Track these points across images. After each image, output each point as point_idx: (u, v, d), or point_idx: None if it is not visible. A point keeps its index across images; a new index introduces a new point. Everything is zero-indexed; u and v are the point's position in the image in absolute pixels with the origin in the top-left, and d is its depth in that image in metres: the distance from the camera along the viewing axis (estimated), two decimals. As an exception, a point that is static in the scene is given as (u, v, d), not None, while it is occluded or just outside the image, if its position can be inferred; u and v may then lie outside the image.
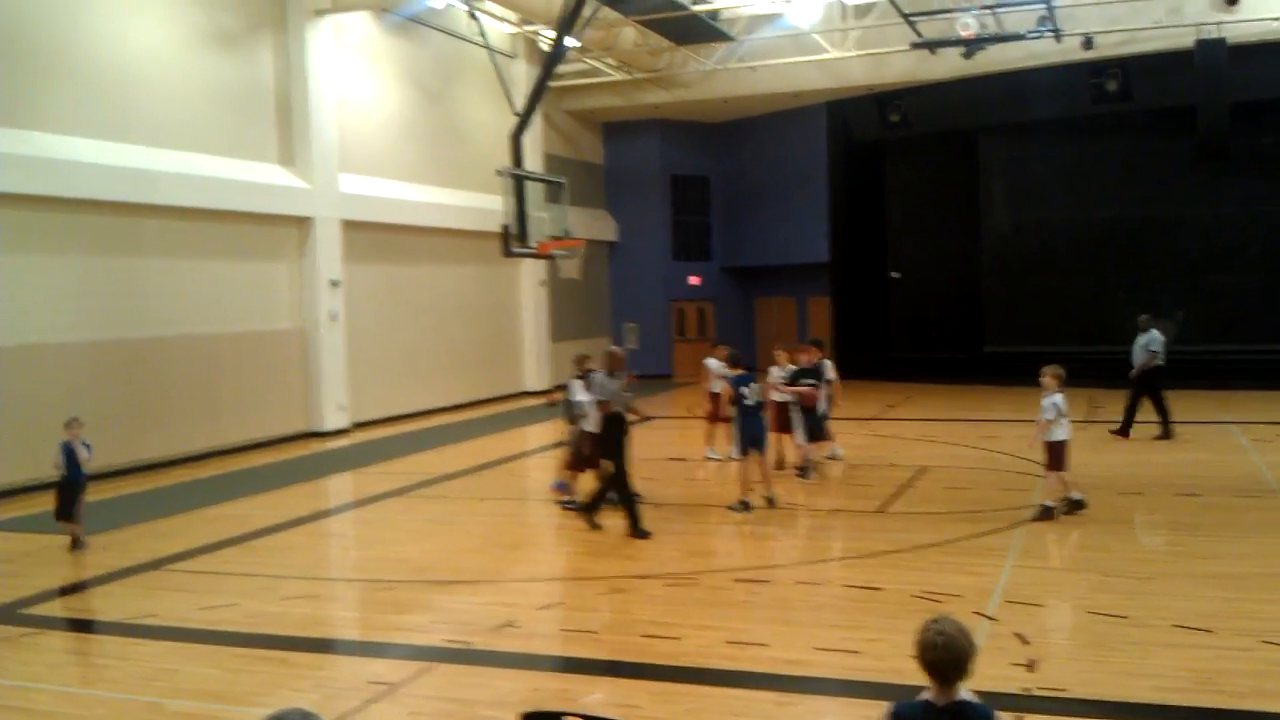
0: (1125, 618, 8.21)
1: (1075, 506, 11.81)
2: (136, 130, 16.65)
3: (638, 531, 11.25)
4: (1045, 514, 11.61)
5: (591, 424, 12.15)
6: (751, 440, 12.42)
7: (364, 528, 12.94)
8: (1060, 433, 11.72)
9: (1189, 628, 7.86)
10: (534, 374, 27.30)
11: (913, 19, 22.08)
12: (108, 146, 16.06)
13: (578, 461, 12.84)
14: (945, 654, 3.59)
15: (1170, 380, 17.19)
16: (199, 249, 17.87)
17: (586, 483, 12.81)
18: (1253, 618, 8.08)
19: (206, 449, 17.77)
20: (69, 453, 11.53)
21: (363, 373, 21.42)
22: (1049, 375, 11.78)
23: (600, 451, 11.76)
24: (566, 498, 13.08)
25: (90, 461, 11.79)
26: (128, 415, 16.34)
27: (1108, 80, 24.33)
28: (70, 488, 11.56)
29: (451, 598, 9.52)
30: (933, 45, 22.69)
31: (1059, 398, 11.66)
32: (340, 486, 15.86)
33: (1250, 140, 25.10)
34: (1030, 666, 7.21)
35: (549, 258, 22.88)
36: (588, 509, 11.79)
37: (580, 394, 12.60)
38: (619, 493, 11.53)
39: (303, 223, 19.98)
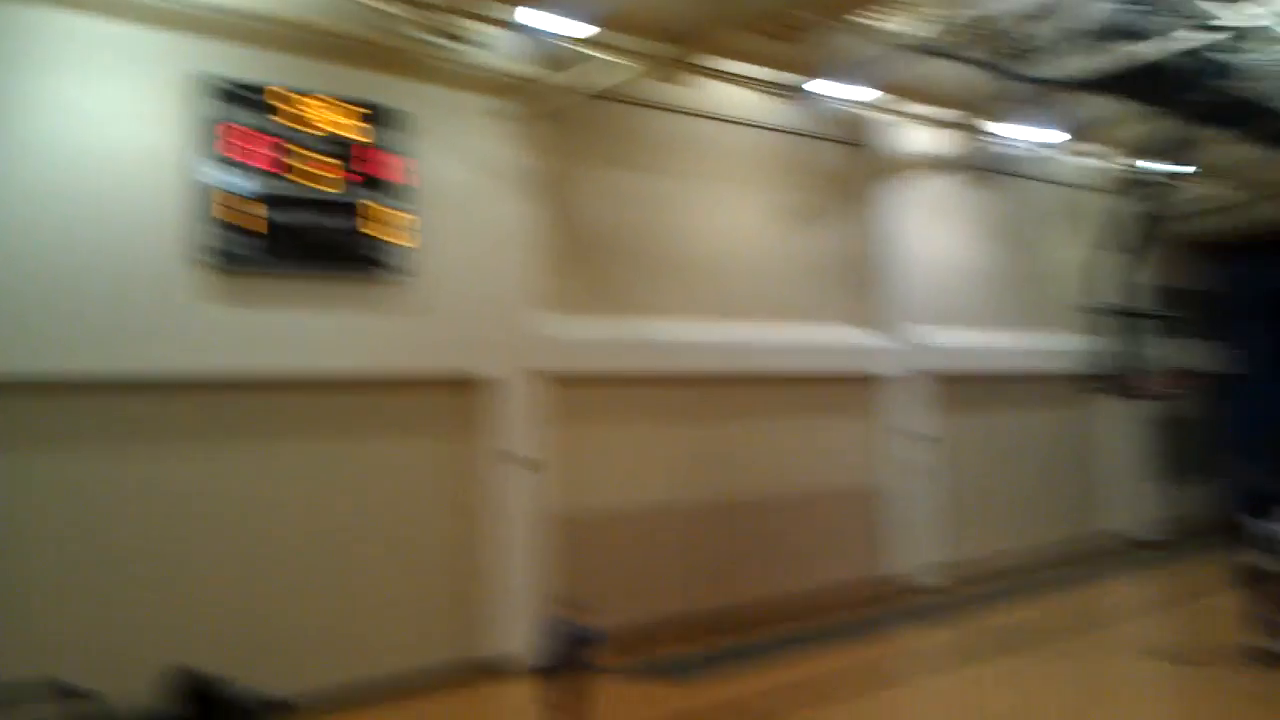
0: None
1: None
2: (730, 308, 18.62)
3: None
4: None
5: None
6: None
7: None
8: None
9: None
10: (1128, 515, 25.54)
11: None
12: (705, 325, 18.16)
13: None
14: None
15: None
16: (787, 411, 19.34)
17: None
18: None
19: (793, 601, 18.69)
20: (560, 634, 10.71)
21: (953, 523, 21.62)
22: None
23: None
24: None
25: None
26: (722, 567, 17.90)
27: None
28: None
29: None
30: None
31: None
32: (937, 640, 16.07)
33: None
34: None
35: (1158, 396, 21.60)
36: None
37: None
38: None
39: (880, 379, 20.87)
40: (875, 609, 18.23)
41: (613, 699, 11.13)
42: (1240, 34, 16.82)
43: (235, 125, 12.73)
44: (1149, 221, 21.48)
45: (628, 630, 14.60)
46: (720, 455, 18.20)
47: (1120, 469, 25.81)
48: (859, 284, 20.86)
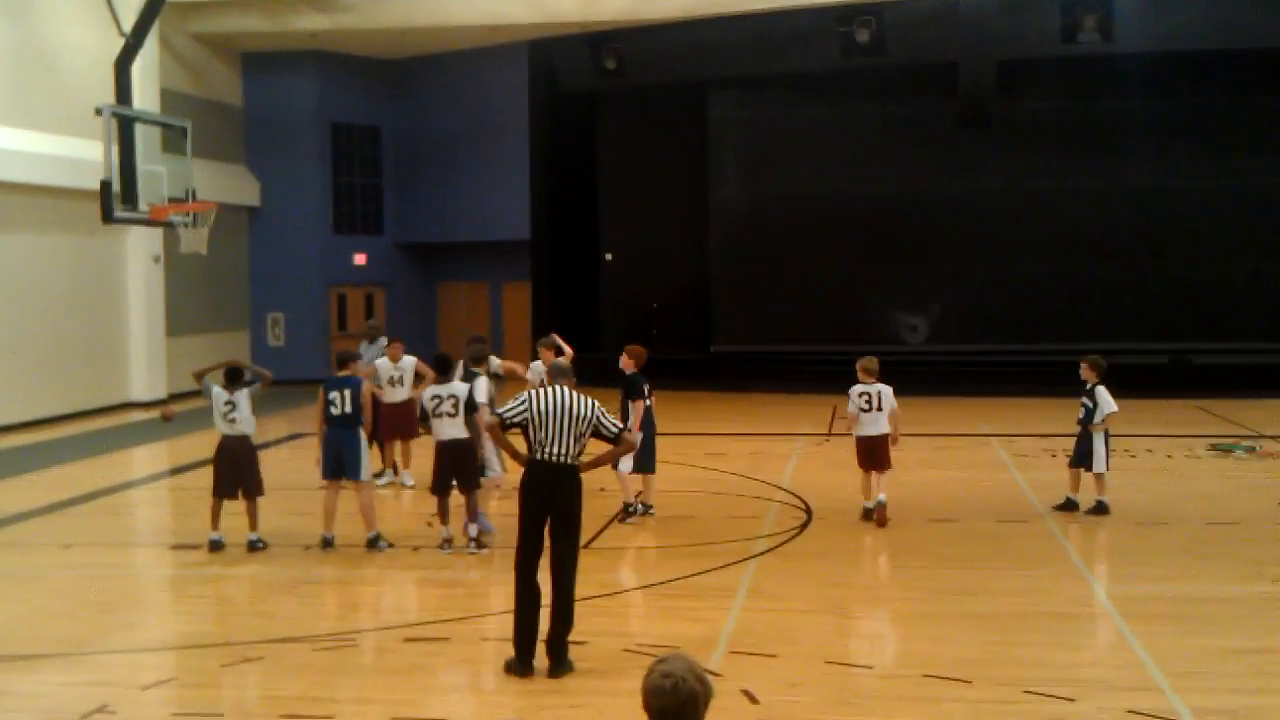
0: (870, 667, 8.70)
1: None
2: None
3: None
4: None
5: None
6: (335, 463, 12.74)
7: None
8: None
9: (943, 677, 8.40)
10: (143, 379, 26.14)
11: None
12: None
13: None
14: (674, 699, 3.84)
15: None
16: None
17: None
18: (1016, 664, 8.73)
19: None
20: None
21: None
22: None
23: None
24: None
25: None
26: None
27: (859, 29, 25.63)
28: None
29: (25, 677, 9.02)
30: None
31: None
32: None
33: (1017, 105, 27.07)
34: (760, 731, 7.51)
35: (166, 225, 22.11)
36: None
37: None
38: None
39: None
40: None
41: None
42: None
43: None
44: (156, 3, 21.69)
45: None
46: None
47: (141, 320, 26.19)
48: None
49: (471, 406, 12.53)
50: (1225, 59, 26.48)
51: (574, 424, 8.77)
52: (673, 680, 3.91)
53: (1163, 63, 26.53)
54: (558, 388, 9.00)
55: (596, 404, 8.96)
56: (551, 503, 8.78)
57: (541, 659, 8.64)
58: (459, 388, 12.64)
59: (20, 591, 11.54)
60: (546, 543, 8.82)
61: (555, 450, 8.75)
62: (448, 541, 12.53)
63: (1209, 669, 8.64)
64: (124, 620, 10.76)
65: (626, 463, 13.44)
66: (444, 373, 12.80)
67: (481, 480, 13.15)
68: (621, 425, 9.22)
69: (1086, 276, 29.05)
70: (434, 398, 12.59)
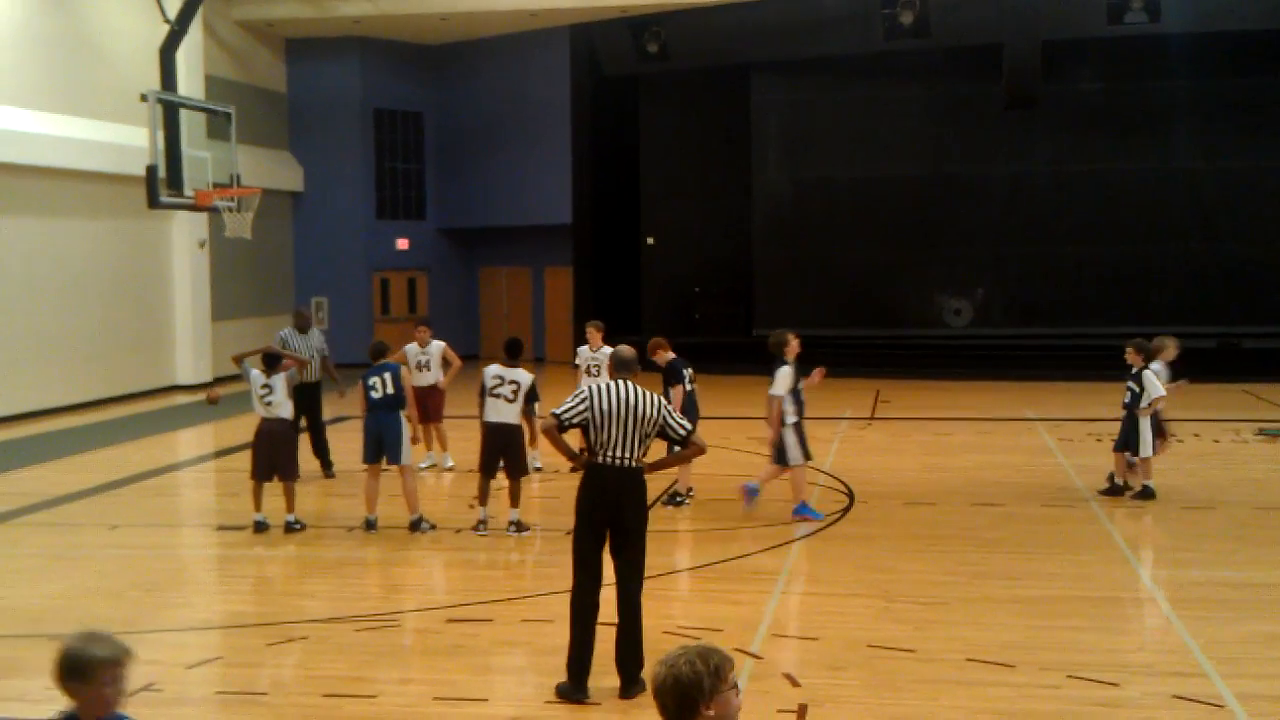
0: (913, 651, 8.64)
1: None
2: None
3: None
4: None
5: None
6: (376, 447, 12.81)
7: (-49, 566, 12.19)
8: None
9: (986, 662, 8.37)
10: (189, 362, 26.33)
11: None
12: None
13: None
14: (660, 686, 3.81)
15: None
16: None
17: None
18: (1060, 648, 8.68)
19: None
20: None
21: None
22: None
23: None
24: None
25: None
26: None
27: (902, 11, 25.50)
28: None
29: (71, 655, 9.05)
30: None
31: None
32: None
33: (1063, 86, 26.83)
34: (801, 713, 7.49)
35: (211, 209, 22.23)
36: None
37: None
38: None
39: None
40: None
41: None
42: None
43: None
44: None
45: None
46: None
47: (186, 305, 26.37)
48: None
49: (533, 397, 12.54)
50: (1273, 39, 26.18)
51: (639, 425, 7.99)
52: (673, 673, 3.82)
53: (1210, 43, 26.31)
54: (621, 383, 8.14)
55: (662, 401, 8.27)
56: (617, 512, 8.11)
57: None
58: (522, 374, 12.64)
59: (68, 571, 11.66)
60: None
61: (619, 453, 7.99)
62: (483, 523, 12.60)
63: (1255, 655, 8.57)
64: (169, 600, 10.86)
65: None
66: (513, 356, 12.80)
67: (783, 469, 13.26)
68: (690, 426, 8.38)
69: (1133, 259, 28.81)
70: (495, 377, 12.59)
